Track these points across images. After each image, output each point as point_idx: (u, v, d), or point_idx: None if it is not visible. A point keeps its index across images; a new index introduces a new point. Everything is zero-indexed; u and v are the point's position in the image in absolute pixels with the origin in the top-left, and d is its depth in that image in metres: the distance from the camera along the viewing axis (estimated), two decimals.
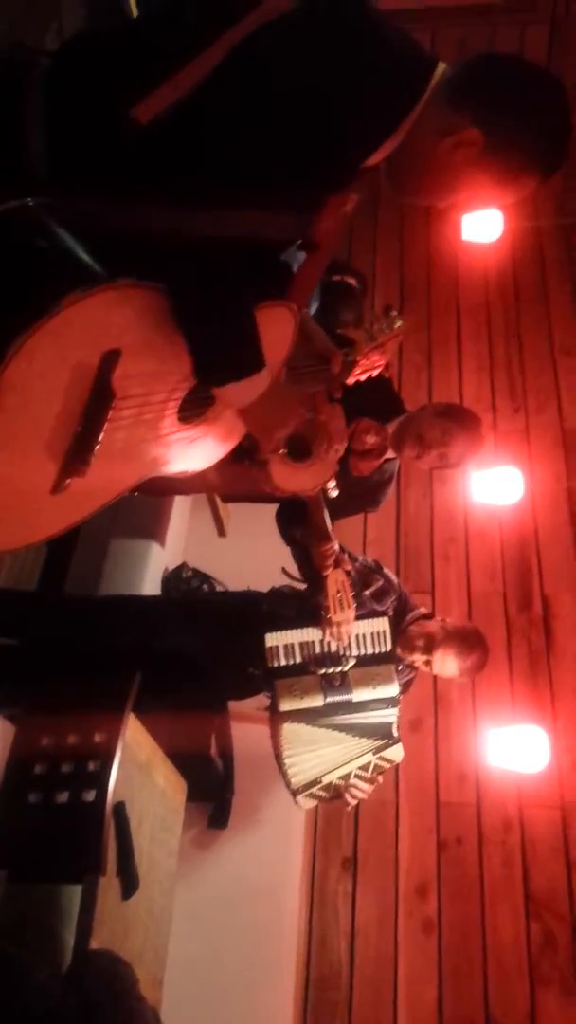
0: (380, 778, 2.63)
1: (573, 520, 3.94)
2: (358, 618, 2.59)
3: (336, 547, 2.50)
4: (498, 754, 3.18)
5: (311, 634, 2.63)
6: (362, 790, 2.58)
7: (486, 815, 3.30)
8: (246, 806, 3.14)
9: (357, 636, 2.62)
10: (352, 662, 2.60)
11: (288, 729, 2.55)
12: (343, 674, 2.59)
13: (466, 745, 3.41)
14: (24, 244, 1.16)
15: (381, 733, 2.57)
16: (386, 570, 2.79)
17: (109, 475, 1.37)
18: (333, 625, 2.52)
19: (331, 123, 1.23)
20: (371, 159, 1.37)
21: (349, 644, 2.60)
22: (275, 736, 2.56)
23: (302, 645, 2.62)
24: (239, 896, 3.02)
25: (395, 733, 2.59)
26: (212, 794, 3.11)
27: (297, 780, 2.56)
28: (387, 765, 2.62)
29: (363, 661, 2.62)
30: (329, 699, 2.56)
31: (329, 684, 2.58)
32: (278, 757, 2.55)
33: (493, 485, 3.80)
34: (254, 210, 1.22)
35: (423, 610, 2.77)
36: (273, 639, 2.62)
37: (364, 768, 2.59)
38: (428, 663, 2.59)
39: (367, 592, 2.70)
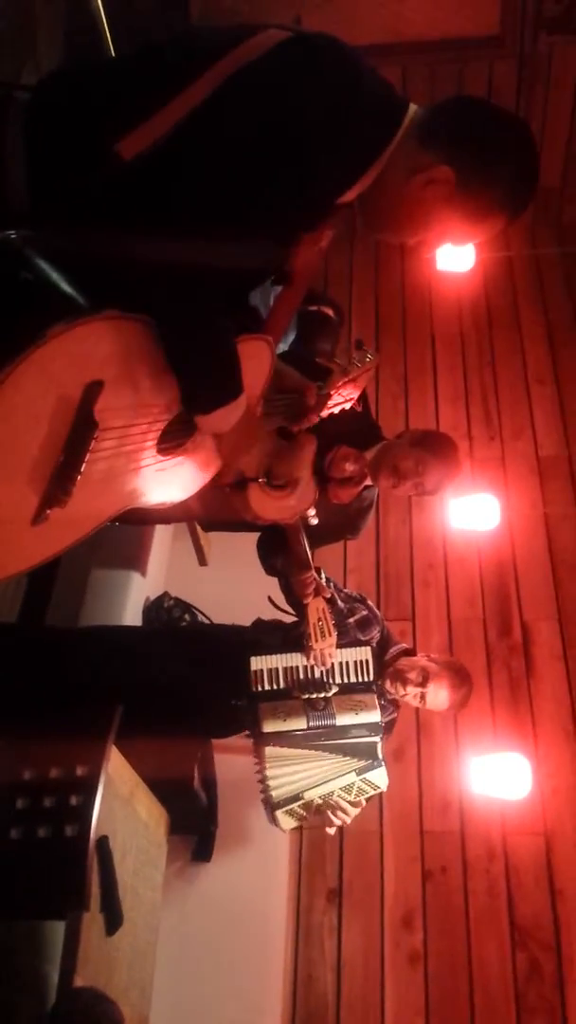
0: (364, 802, 2.62)
1: (550, 546, 3.97)
2: (342, 646, 2.60)
3: (316, 575, 2.51)
4: (481, 782, 3.18)
5: (295, 660, 2.63)
6: (345, 811, 2.56)
7: (470, 843, 3.29)
8: (230, 838, 3.12)
9: (340, 664, 2.63)
10: (335, 689, 2.61)
11: (271, 751, 2.53)
12: (326, 699, 2.59)
13: (449, 773, 3.40)
14: (7, 276, 1.17)
15: (366, 754, 2.57)
16: (370, 602, 2.81)
17: (90, 505, 1.37)
18: (315, 651, 2.53)
19: (307, 161, 1.26)
20: (345, 196, 1.40)
21: (332, 671, 2.60)
22: (258, 758, 2.54)
23: (286, 671, 2.63)
24: (224, 930, 2.98)
25: (379, 755, 2.58)
26: (195, 827, 3.08)
27: (277, 794, 2.53)
28: (371, 790, 2.61)
29: (346, 689, 2.62)
30: (312, 723, 2.56)
31: (312, 708, 2.58)
32: (260, 775, 2.54)
33: (471, 511, 3.83)
34: (232, 244, 1.23)
35: (404, 645, 2.79)
36: (258, 663, 2.63)
37: (347, 789, 2.57)
38: (421, 696, 2.60)
39: (351, 620, 2.71)
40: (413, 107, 1.40)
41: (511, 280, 5.00)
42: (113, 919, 2.14)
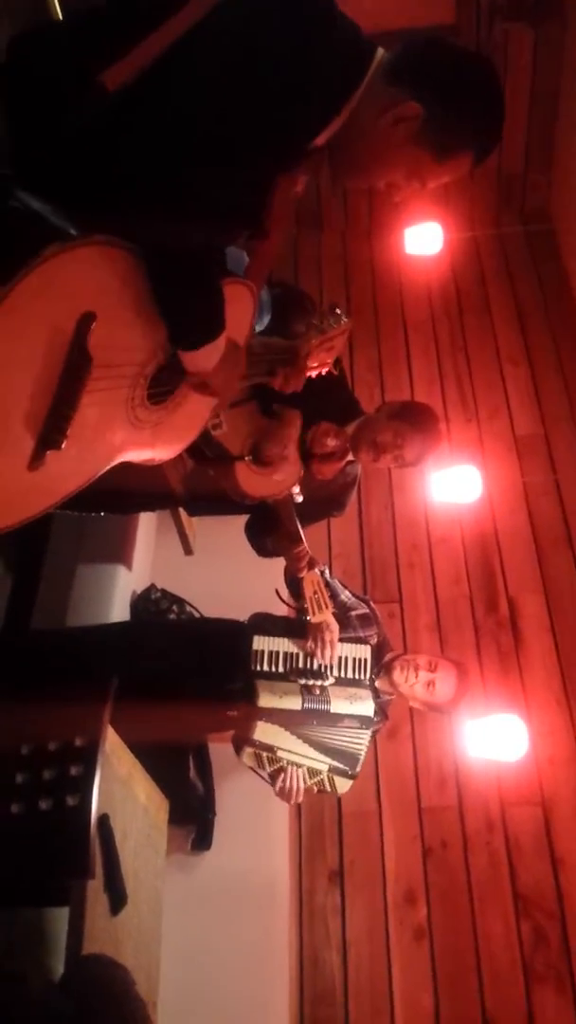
0: (315, 790, 2.65)
1: (532, 520, 4.00)
2: (342, 641, 2.63)
3: (307, 549, 2.52)
4: (477, 746, 3.19)
5: (296, 646, 2.64)
6: (296, 788, 2.58)
7: (469, 817, 3.29)
8: (229, 826, 3.11)
9: (340, 658, 2.64)
10: (332, 680, 2.61)
11: (262, 726, 2.52)
12: (323, 687, 2.60)
13: (444, 749, 3.41)
14: None
15: (346, 760, 2.59)
16: (373, 605, 2.84)
17: (82, 456, 1.37)
18: (318, 633, 2.55)
19: (280, 101, 1.28)
20: (318, 138, 1.42)
21: (330, 665, 2.61)
22: (247, 730, 2.53)
23: (286, 655, 2.63)
24: (227, 917, 2.97)
25: (357, 769, 2.61)
26: (194, 816, 3.07)
27: (258, 736, 2.54)
28: (328, 789, 2.65)
29: (342, 683, 2.63)
30: (307, 705, 2.56)
31: (308, 692, 2.58)
32: (245, 740, 2.54)
33: (452, 484, 3.86)
34: (213, 178, 1.24)
35: (400, 652, 2.80)
36: (260, 643, 2.64)
37: (312, 772, 2.61)
38: (430, 684, 2.60)
39: (353, 614, 2.73)
40: (380, 50, 1.42)
41: (478, 263, 5.06)
42: (117, 898, 2.13)
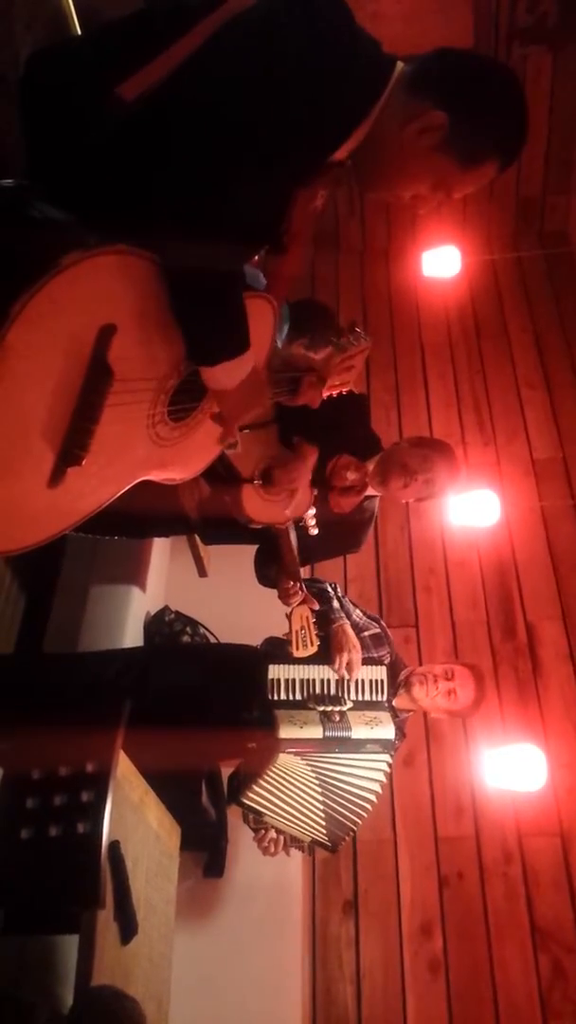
0: (286, 853, 2.64)
1: (550, 546, 3.96)
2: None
3: (301, 585, 2.51)
4: (495, 775, 3.14)
5: (312, 672, 2.62)
6: (273, 850, 2.58)
7: (486, 848, 3.24)
8: (242, 853, 3.06)
9: (356, 681, 2.62)
10: (350, 704, 2.58)
11: (284, 759, 2.49)
12: (341, 713, 2.57)
13: (461, 778, 3.36)
14: (16, 214, 1.15)
15: (336, 832, 2.59)
16: (383, 623, 2.82)
17: (103, 474, 1.34)
18: (343, 656, 2.55)
19: (299, 114, 1.26)
20: (338, 152, 1.40)
21: (347, 688, 2.60)
22: (266, 760, 2.49)
23: (303, 682, 2.61)
24: (239, 946, 2.92)
25: (339, 846, 2.62)
26: (206, 843, 3.02)
27: (250, 799, 2.52)
28: (303, 851, 2.68)
29: (360, 706, 2.60)
30: (328, 733, 2.52)
31: (328, 719, 2.55)
32: (257, 774, 2.50)
33: (469, 507, 3.82)
34: (229, 197, 1.23)
35: (414, 667, 2.77)
36: (275, 671, 2.61)
37: (293, 840, 2.61)
38: (450, 692, 2.59)
39: (365, 634, 2.71)
40: (400, 63, 1.41)
41: (496, 286, 5.05)
42: (128, 927, 2.09)
